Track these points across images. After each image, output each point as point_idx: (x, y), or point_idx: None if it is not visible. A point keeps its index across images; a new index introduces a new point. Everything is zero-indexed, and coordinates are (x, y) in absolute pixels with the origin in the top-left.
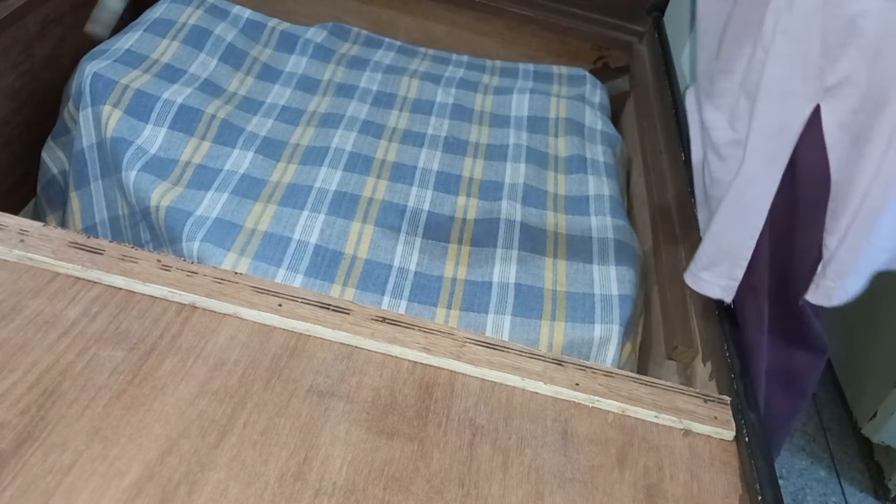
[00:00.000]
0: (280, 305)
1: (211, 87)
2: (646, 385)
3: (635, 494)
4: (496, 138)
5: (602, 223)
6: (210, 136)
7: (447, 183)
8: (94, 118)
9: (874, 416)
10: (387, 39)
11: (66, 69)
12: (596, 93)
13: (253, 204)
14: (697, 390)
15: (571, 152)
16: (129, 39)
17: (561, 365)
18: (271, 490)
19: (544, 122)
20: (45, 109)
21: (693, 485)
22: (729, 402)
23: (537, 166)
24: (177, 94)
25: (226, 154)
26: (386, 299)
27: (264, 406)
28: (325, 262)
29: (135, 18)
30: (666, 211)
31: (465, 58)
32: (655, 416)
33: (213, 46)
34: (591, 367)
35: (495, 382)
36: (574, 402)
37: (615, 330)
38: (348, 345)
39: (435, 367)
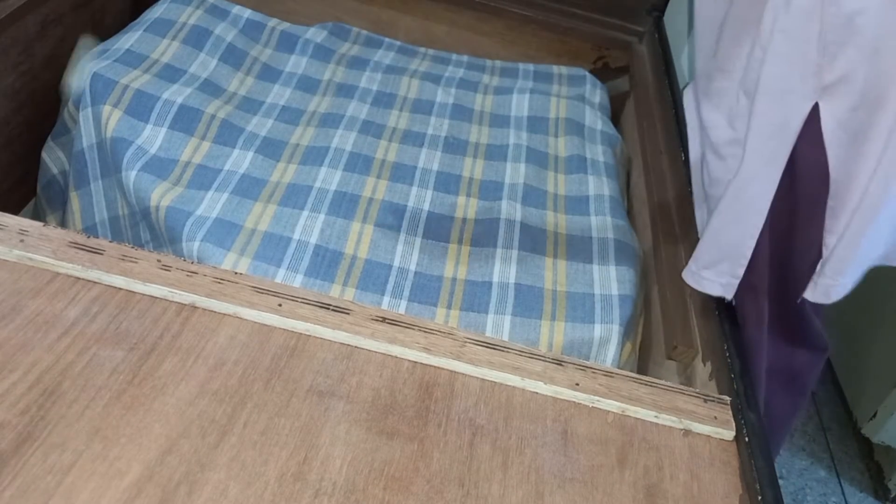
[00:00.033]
0: (280, 305)
1: (211, 87)
2: (646, 385)
3: (635, 494)
4: (496, 138)
5: (602, 223)
6: (210, 136)
7: (447, 183)
8: (94, 118)
9: (874, 416)
10: (387, 39)
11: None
12: (596, 93)
13: (253, 204)
14: (697, 390)
15: (571, 152)
16: (129, 39)
17: (561, 365)
18: (271, 490)
19: (544, 122)
20: (45, 109)
21: (693, 485)
22: (729, 402)
23: (537, 166)
24: (177, 94)
25: (226, 154)
26: (386, 299)
27: (264, 406)
28: (325, 262)
29: (135, 18)
30: (666, 211)
31: (465, 58)
32: (655, 416)
33: (213, 46)
34: (591, 367)
35: (495, 382)
36: (574, 402)
37: (615, 330)
38: (348, 345)
39: (435, 367)
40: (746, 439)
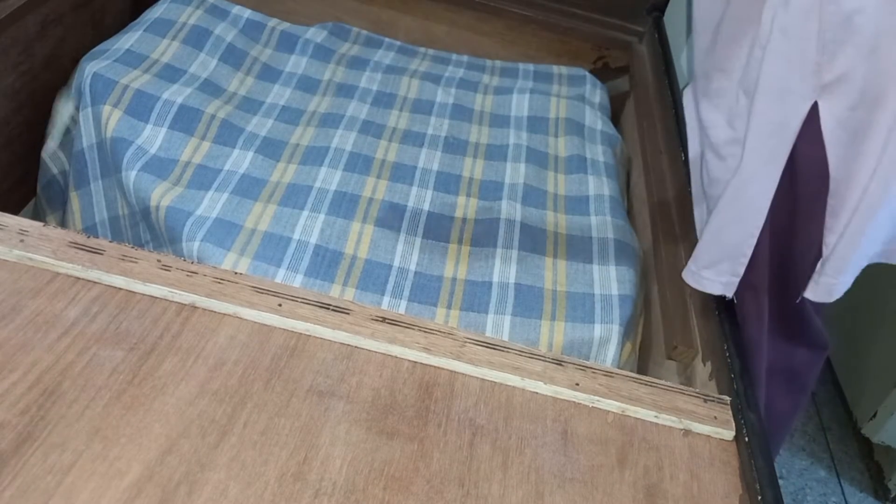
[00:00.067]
0: (280, 305)
1: (211, 87)
2: (646, 385)
3: (635, 494)
4: (496, 138)
5: (602, 223)
6: (210, 136)
7: (447, 183)
8: (94, 118)
9: (874, 416)
10: (387, 39)
11: (66, 69)
12: (596, 93)
13: (253, 204)
14: (697, 390)
15: (571, 152)
16: (129, 39)
17: (561, 365)
18: (271, 490)
19: (544, 122)
20: (45, 109)
21: (693, 485)
22: (729, 401)
23: (537, 166)
24: (177, 94)
25: (226, 154)
26: (386, 299)
27: (264, 406)
28: (325, 262)
29: (135, 18)
30: (666, 211)
31: (465, 58)
32: (655, 416)
33: (213, 46)
34: (590, 367)
35: (495, 382)
36: (574, 402)
37: (615, 330)
38: (348, 345)
39: (435, 367)
40: (746, 439)
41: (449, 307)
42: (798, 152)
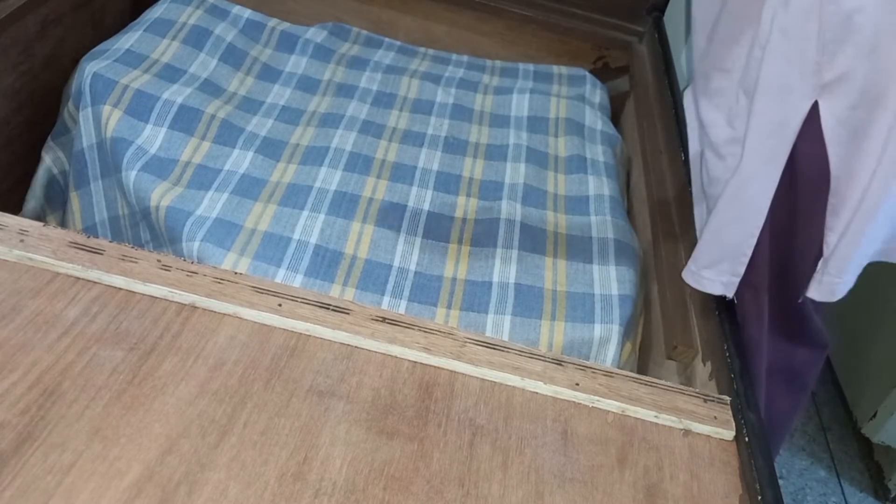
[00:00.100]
0: (280, 305)
1: (211, 87)
2: (646, 385)
3: (635, 494)
4: (496, 138)
5: (602, 223)
6: (210, 136)
7: (447, 183)
8: (94, 118)
9: (874, 416)
10: (387, 39)
11: (66, 69)
12: (596, 93)
13: (253, 204)
14: (697, 390)
15: (571, 152)
16: (129, 39)
17: (561, 365)
18: (271, 490)
19: (544, 122)
20: (45, 109)
21: (693, 485)
22: (729, 401)
23: (537, 166)
24: (177, 94)
25: (226, 154)
26: (386, 299)
27: (264, 406)
28: (325, 262)
29: (135, 18)
30: (666, 210)
31: (465, 58)
32: (655, 416)
33: (213, 46)
34: (590, 367)
35: (495, 382)
36: (574, 402)
37: (615, 330)
38: (348, 345)
39: (435, 367)
40: (746, 439)
41: (449, 307)
42: (798, 151)
